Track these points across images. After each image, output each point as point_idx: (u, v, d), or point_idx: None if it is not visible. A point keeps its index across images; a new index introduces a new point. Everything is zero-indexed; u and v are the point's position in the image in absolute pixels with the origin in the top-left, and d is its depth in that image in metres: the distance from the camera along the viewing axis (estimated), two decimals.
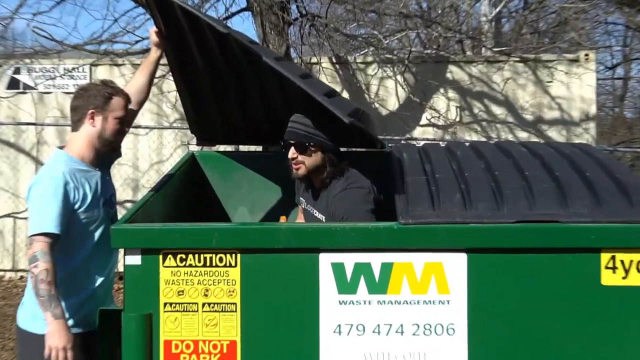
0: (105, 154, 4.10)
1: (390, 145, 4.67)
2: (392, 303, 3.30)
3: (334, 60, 11.28)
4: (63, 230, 3.76)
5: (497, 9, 17.34)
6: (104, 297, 4.03)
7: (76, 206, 3.86)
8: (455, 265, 3.28)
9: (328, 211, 3.91)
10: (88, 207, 3.92)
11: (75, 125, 4.05)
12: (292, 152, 4.01)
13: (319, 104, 3.48)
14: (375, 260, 3.30)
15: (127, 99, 4.08)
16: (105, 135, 4.01)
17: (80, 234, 3.89)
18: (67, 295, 3.84)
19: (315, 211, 4.06)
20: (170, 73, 9.53)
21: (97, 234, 3.95)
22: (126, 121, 4.13)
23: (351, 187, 3.90)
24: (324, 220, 3.94)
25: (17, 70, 11.53)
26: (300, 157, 4.00)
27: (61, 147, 4.07)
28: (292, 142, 4.01)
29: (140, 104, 4.36)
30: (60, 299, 3.72)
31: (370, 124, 4.11)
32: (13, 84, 11.55)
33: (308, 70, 3.99)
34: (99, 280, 3.97)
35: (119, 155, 4.30)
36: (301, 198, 4.25)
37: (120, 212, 11.87)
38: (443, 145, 4.54)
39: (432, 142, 9.77)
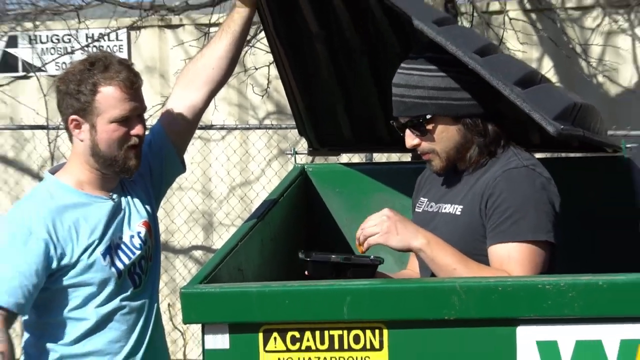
0: (121, 175, 4.21)
1: (628, 146, 4.67)
2: None
3: (528, 6, 11.25)
4: (21, 303, 3.93)
5: None
6: None
7: (51, 266, 4.01)
8: None
9: (474, 198, 3.86)
10: (74, 264, 4.06)
11: (69, 136, 4.21)
12: (409, 140, 3.97)
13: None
14: (611, 336, 3.32)
15: (129, 82, 4.06)
16: (105, 152, 4.09)
17: (65, 304, 4.09)
18: None
19: (443, 206, 4.03)
20: (256, 38, 9.74)
21: (94, 302, 4.12)
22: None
23: (528, 167, 3.86)
24: (458, 214, 3.93)
25: (12, 42, 11.91)
26: (425, 144, 3.95)
27: (58, 168, 4.27)
28: (403, 121, 3.99)
29: (213, 84, 4.44)
30: None
31: (594, 122, 4.07)
32: (7, 64, 11.93)
33: (489, 40, 3.96)
34: None
35: (178, 167, 4.48)
36: (422, 199, 4.23)
37: (186, 265, 12.03)
38: None
39: None
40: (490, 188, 3.79)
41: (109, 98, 4.03)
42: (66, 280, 4.06)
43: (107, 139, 4.05)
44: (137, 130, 4.07)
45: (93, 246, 4.08)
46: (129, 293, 4.17)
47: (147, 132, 4.30)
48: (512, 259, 3.68)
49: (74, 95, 4.05)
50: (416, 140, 3.94)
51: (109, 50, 11.23)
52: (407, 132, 3.95)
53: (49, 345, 4.10)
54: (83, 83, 4.03)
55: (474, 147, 3.91)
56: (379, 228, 3.70)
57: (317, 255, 3.79)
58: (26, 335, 4.20)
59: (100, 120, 4.04)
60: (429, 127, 3.90)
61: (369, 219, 3.76)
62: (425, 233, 3.74)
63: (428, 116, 3.88)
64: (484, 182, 3.84)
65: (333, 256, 3.78)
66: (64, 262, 4.02)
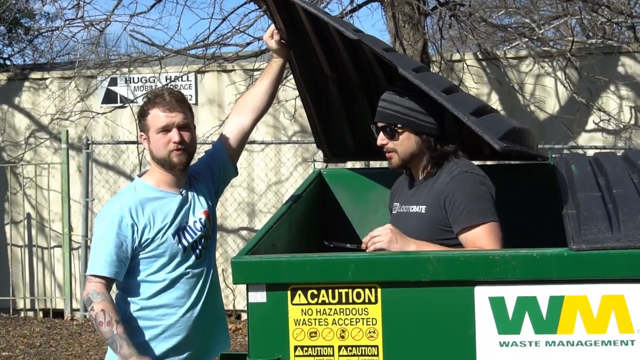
0: (180, 174, 4.23)
1: (553, 155, 4.63)
2: (563, 344, 3.27)
3: (480, 56, 11.24)
4: (117, 271, 4.06)
5: None
6: (192, 335, 4.20)
7: (135, 243, 4.10)
8: None
9: (433, 199, 3.88)
10: (151, 241, 4.13)
11: (145, 149, 4.36)
12: (380, 140, 4.04)
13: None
14: (542, 293, 3.27)
15: (168, 104, 4.13)
16: (157, 156, 4.18)
17: (144, 270, 4.15)
18: (137, 333, 4.12)
19: (411, 207, 4.04)
20: (287, 79, 9.79)
21: (166, 269, 4.16)
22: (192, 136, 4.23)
23: (467, 172, 3.88)
24: (423, 212, 3.94)
25: (113, 82, 11.96)
26: (391, 144, 4.01)
27: (144, 172, 4.35)
28: (380, 125, 4.04)
29: (258, 112, 4.50)
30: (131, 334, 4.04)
31: (528, 140, 4.13)
32: (109, 98, 11.98)
33: (454, 83, 4.10)
34: (174, 317, 4.17)
35: (232, 172, 4.51)
36: (395, 203, 4.24)
37: (235, 241, 12.01)
38: (619, 154, 4.48)
39: (605, 150, 9.60)
40: (444, 192, 3.85)
41: (153, 116, 4.14)
42: (146, 253, 4.12)
43: (156, 146, 4.16)
44: (174, 137, 4.12)
45: (165, 228, 4.14)
46: (191, 262, 4.20)
47: (209, 147, 4.53)
48: (479, 237, 3.72)
49: (140, 119, 4.21)
50: (385, 141, 4.01)
51: (181, 88, 11.26)
52: (380, 134, 4.02)
53: (133, 299, 4.15)
54: (143, 110, 4.18)
55: (425, 158, 3.98)
56: (385, 237, 3.73)
57: (336, 243, 3.97)
58: (117, 292, 4.26)
59: (151, 132, 4.16)
60: (397, 132, 3.97)
61: (375, 230, 3.79)
62: (415, 241, 3.76)
63: (399, 125, 3.96)
64: (438, 186, 3.89)
65: (348, 245, 3.94)
66: (144, 239, 4.10)
